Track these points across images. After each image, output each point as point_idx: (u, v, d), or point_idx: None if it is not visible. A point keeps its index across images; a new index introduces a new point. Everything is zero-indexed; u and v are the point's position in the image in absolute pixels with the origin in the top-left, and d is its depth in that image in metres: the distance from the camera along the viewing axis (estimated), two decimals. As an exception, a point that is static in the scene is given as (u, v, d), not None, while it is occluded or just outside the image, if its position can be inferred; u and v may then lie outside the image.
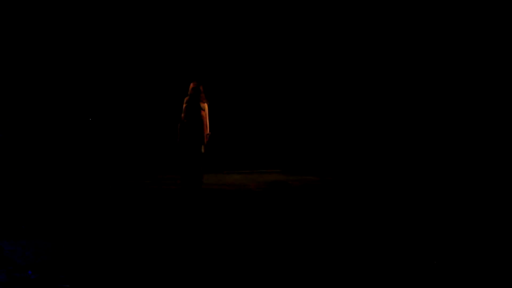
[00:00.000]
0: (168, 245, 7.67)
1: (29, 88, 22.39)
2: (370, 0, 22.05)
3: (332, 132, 22.39)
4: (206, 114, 12.64)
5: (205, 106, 12.73)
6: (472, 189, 13.29)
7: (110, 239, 8.07)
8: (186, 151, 11.64)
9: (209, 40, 23.19)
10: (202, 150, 11.99)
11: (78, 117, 23.34)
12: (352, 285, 6.11)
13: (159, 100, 22.58)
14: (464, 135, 19.96)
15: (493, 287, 6.05)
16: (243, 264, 6.78)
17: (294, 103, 22.84)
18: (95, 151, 22.26)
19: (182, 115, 11.92)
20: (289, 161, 20.76)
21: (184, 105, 12.15)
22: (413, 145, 20.43)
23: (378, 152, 20.91)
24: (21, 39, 21.86)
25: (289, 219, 9.68)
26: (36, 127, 22.14)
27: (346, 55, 22.63)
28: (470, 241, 7.97)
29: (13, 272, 6.22)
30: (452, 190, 13.20)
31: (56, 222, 9.25)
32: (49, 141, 22.08)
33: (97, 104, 23.69)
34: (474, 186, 13.67)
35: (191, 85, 12.50)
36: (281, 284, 6.10)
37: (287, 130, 22.33)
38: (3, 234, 7.93)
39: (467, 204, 11.24)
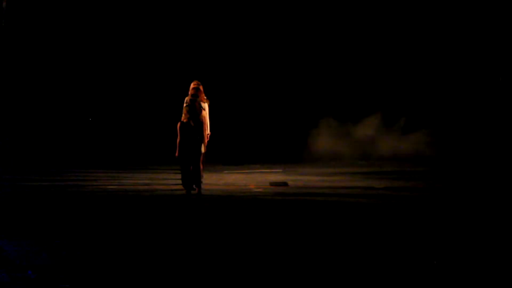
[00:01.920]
0: (168, 245, 7.65)
1: (30, 90, 22.41)
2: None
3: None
4: (206, 114, 12.63)
5: (206, 105, 12.71)
6: None
7: (110, 239, 8.06)
8: (186, 151, 11.63)
9: (209, 40, 23.22)
10: (203, 149, 11.97)
11: (78, 117, 23.36)
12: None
13: (159, 100, 22.61)
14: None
15: None
16: (242, 267, 6.77)
17: (293, 103, 22.87)
18: (95, 151, 22.26)
19: (183, 115, 11.89)
20: (290, 161, 20.76)
21: (184, 105, 12.13)
22: None
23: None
24: (21, 41, 21.86)
25: (287, 219, 9.67)
26: (38, 128, 22.18)
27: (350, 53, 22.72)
28: None
29: (13, 272, 6.21)
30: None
31: (56, 222, 9.24)
32: (50, 141, 22.12)
33: (97, 104, 23.71)
34: None
35: (192, 85, 12.48)
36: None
37: (287, 129, 22.35)
38: (3, 234, 7.92)
39: None
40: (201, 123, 11.72)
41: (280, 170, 17.94)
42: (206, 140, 12.20)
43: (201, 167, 11.99)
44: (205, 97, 12.74)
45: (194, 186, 11.81)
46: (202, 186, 11.99)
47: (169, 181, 14.48)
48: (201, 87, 12.53)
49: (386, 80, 22.82)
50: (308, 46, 23.13)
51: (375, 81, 22.78)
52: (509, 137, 20.45)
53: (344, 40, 22.98)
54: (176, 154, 11.66)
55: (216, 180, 14.95)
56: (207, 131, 12.60)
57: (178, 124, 11.72)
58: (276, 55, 23.20)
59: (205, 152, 12.25)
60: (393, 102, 22.40)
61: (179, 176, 12.21)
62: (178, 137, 11.65)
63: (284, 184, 14.30)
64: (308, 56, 23.14)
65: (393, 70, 22.83)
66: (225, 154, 20.45)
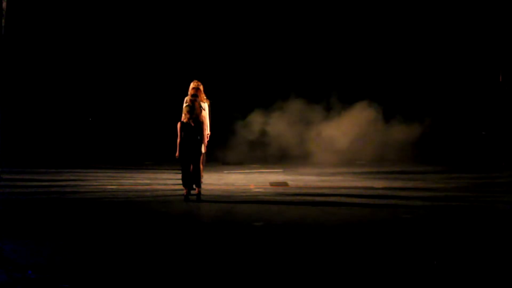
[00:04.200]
0: (167, 246, 7.65)
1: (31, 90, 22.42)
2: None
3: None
4: (206, 114, 12.62)
5: (206, 105, 12.70)
6: None
7: (110, 240, 8.06)
8: (186, 151, 11.61)
9: (209, 40, 23.23)
10: (203, 149, 11.96)
11: (79, 117, 23.37)
12: None
13: (159, 100, 22.61)
14: None
15: None
16: (241, 268, 6.77)
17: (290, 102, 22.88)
18: (94, 150, 22.26)
19: (183, 115, 11.88)
20: (291, 161, 20.74)
21: (184, 105, 12.11)
22: None
23: None
24: (21, 41, 21.87)
25: (287, 219, 9.66)
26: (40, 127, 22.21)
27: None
28: None
29: (13, 272, 6.20)
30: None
31: (56, 222, 9.24)
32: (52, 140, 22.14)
33: (97, 104, 23.71)
34: None
35: (192, 84, 12.47)
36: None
37: (286, 129, 22.33)
38: (3, 234, 7.91)
39: None
40: (201, 123, 11.71)
41: (280, 170, 17.93)
42: (206, 140, 12.19)
43: (201, 167, 11.98)
44: (205, 97, 12.73)
45: (194, 186, 11.80)
46: (202, 186, 11.99)
47: (169, 181, 14.47)
48: (201, 87, 12.51)
49: (386, 78, 22.81)
50: (305, 46, 23.17)
51: (375, 82, 22.77)
52: (509, 136, 20.42)
53: (342, 40, 22.99)
54: (177, 155, 11.65)
55: (216, 180, 14.94)
56: (207, 131, 12.59)
57: (178, 124, 11.70)
58: (275, 55, 23.22)
59: (205, 152, 12.24)
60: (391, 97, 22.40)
61: (179, 176, 12.20)
62: (178, 137, 11.63)
63: (284, 184, 14.29)
64: (307, 55, 23.18)
65: (392, 70, 22.83)
66: (226, 160, 20.38)
